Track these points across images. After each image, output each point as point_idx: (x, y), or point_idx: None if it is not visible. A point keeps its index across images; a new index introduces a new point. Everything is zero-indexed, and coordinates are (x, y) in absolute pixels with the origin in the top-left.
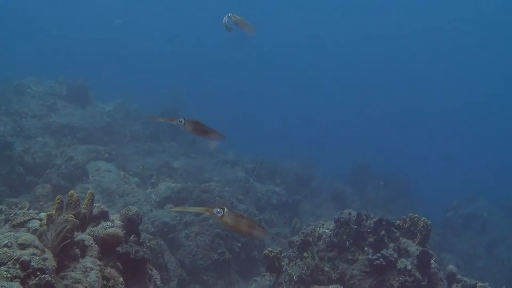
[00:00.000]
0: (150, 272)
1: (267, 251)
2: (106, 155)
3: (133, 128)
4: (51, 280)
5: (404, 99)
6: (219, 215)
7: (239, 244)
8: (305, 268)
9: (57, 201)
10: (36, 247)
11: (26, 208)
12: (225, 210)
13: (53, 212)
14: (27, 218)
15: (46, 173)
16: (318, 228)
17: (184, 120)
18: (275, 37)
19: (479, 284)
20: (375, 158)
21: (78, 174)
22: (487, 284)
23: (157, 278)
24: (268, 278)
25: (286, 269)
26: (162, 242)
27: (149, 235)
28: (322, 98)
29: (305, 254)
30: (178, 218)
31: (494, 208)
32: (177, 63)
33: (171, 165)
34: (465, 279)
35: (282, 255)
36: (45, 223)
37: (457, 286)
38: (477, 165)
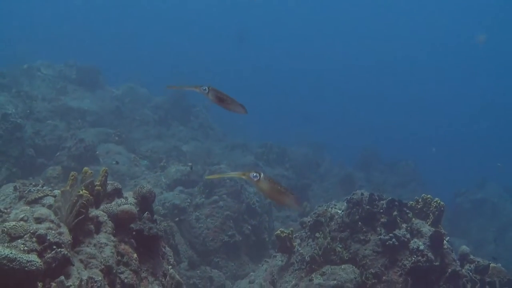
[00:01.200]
0: (163, 249)
1: (279, 232)
2: (116, 138)
3: (142, 112)
4: (67, 254)
5: (415, 85)
6: (255, 179)
7: (249, 227)
8: (317, 248)
9: (71, 178)
10: (52, 221)
11: (40, 185)
12: (262, 175)
13: (68, 188)
14: (42, 194)
15: (57, 155)
16: (330, 209)
17: (208, 88)
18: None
19: (492, 264)
20: (384, 144)
21: (88, 156)
22: (500, 265)
23: (170, 256)
24: (280, 259)
25: (298, 249)
26: (172, 223)
27: (159, 217)
28: (331, 86)
29: (317, 235)
30: (189, 200)
31: (504, 194)
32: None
33: (180, 149)
34: (478, 259)
35: (294, 235)
36: (59, 199)
37: (470, 266)
38: (487, 150)
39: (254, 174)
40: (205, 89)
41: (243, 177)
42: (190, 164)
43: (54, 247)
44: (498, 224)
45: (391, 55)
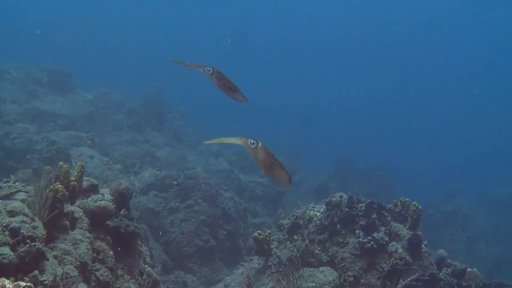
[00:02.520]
0: (140, 248)
1: (257, 234)
2: (89, 142)
3: (116, 117)
4: (41, 248)
5: (387, 96)
6: (252, 146)
7: (224, 232)
8: (295, 250)
9: (46, 172)
10: (26, 215)
11: (12, 182)
12: (259, 144)
13: (42, 182)
14: (14, 190)
15: (27, 158)
16: (308, 211)
17: (213, 70)
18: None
19: (469, 269)
20: (359, 153)
21: (60, 159)
22: (476, 269)
23: (147, 255)
24: (257, 262)
25: (275, 252)
26: (146, 227)
27: None
28: (306, 94)
29: (295, 237)
30: (163, 204)
31: (475, 204)
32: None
33: (154, 155)
34: (455, 263)
35: (272, 238)
36: (33, 194)
37: (447, 270)
38: (458, 161)
39: (252, 141)
40: (209, 70)
41: (240, 142)
42: (176, 182)
43: (28, 241)
44: (470, 235)
45: (367, 64)
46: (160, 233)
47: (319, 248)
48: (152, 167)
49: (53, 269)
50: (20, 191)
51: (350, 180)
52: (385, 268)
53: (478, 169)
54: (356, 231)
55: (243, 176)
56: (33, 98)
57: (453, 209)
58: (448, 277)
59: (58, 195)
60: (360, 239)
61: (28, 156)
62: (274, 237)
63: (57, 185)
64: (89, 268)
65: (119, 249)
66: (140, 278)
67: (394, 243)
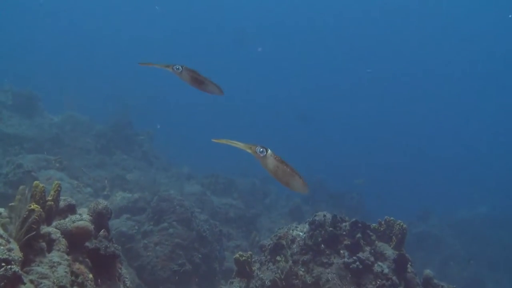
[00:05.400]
0: (120, 271)
1: (238, 255)
2: (57, 165)
3: (83, 140)
4: (18, 271)
5: (361, 118)
6: (261, 154)
7: (200, 255)
8: (278, 272)
9: (20, 192)
10: (1, 237)
11: None
12: (269, 151)
13: (16, 203)
14: None
15: None
16: (291, 231)
17: (182, 67)
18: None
19: None
20: (330, 176)
21: (28, 182)
22: None
23: (127, 278)
24: (238, 285)
25: (257, 273)
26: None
27: None
28: (276, 114)
29: (278, 258)
30: (136, 227)
31: (446, 226)
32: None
33: (124, 178)
34: (442, 283)
35: (253, 259)
36: (6, 216)
37: None
38: (427, 182)
39: (261, 149)
40: (178, 68)
41: (249, 150)
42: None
43: (3, 264)
44: (440, 257)
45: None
46: (134, 257)
47: (303, 269)
48: (123, 190)
49: None
50: None
51: (321, 202)
52: None
53: (446, 190)
54: (341, 251)
55: (216, 199)
56: None
57: (424, 231)
58: None
59: (34, 216)
60: (345, 259)
61: None
62: (256, 258)
63: (33, 205)
64: None
65: (98, 271)
66: None
67: (380, 263)
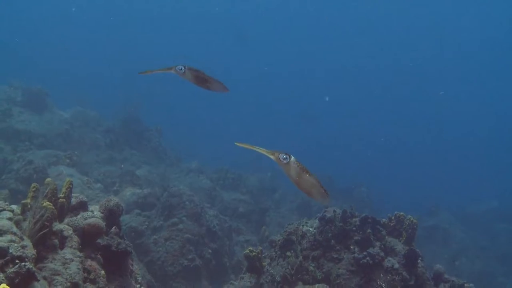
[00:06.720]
0: (131, 267)
1: (248, 251)
2: (68, 160)
3: (93, 136)
4: (31, 268)
5: (368, 112)
6: (284, 161)
7: (210, 250)
8: (288, 267)
9: (33, 189)
10: (14, 234)
11: None
12: (292, 158)
13: (28, 200)
14: None
15: (2, 179)
16: (301, 227)
17: (185, 68)
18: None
19: (466, 284)
20: (338, 171)
21: (38, 178)
22: (473, 285)
23: (138, 274)
24: (248, 280)
25: (267, 269)
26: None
27: None
28: (285, 110)
29: (288, 253)
30: (146, 223)
31: (455, 220)
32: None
33: (133, 173)
34: (452, 278)
35: (263, 255)
36: (19, 213)
37: (444, 286)
38: (438, 176)
39: (284, 156)
40: (181, 69)
41: (272, 157)
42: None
43: (17, 261)
44: (450, 251)
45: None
46: (144, 252)
47: (313, 265)
48: (132, 186)
49: None
50: (4, 209)
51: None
52: (382, 285)
53: (456, 184)
54: (351, 247)
55: (225, 194)
56: (7, 117)
57: (433, 225)
58: None
59: (47, 213)
60: (355, 255)
61: (3, 177)
62: (266, 254)
63: (45, 202)
64: None
65: (110, 268)
66: None
67: (390, 258)
